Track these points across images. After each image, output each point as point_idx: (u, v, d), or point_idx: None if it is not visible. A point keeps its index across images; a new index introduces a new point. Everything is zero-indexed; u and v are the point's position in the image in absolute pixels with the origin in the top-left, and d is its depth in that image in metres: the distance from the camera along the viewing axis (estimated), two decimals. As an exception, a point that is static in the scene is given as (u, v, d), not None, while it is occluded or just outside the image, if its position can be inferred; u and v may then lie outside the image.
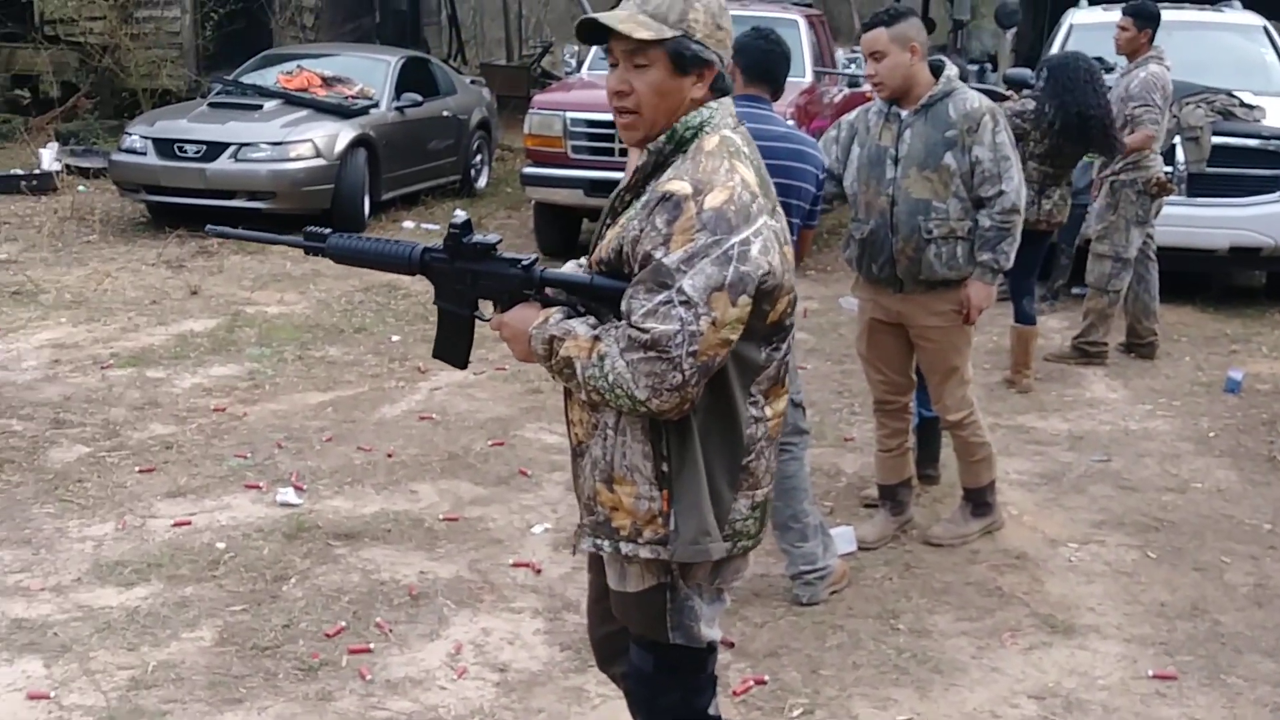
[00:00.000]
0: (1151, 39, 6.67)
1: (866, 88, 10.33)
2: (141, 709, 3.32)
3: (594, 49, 10.10)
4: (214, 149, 9.61)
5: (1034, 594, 4.14)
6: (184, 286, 7.94)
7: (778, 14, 10.08)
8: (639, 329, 2.08)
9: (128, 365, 6.26)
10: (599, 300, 2.22)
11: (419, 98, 11.17)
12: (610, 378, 2.11)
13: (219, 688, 3.45)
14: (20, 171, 11.51)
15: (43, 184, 11.21)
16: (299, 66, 11.04)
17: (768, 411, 2.28)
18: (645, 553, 2.25)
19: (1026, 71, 7.07)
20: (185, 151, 9.67)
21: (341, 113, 10.28)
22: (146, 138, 9.86)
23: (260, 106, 10.30)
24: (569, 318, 2.22)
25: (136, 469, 4.95)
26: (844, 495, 4.96)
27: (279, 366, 6.41)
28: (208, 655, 3.61)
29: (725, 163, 2.15)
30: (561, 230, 9.51)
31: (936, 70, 4.13)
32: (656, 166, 2.22)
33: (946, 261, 4.12)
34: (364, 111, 10.48)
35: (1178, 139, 7.72)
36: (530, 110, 9.12)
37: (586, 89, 9.47)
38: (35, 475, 4.85)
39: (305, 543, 4.35)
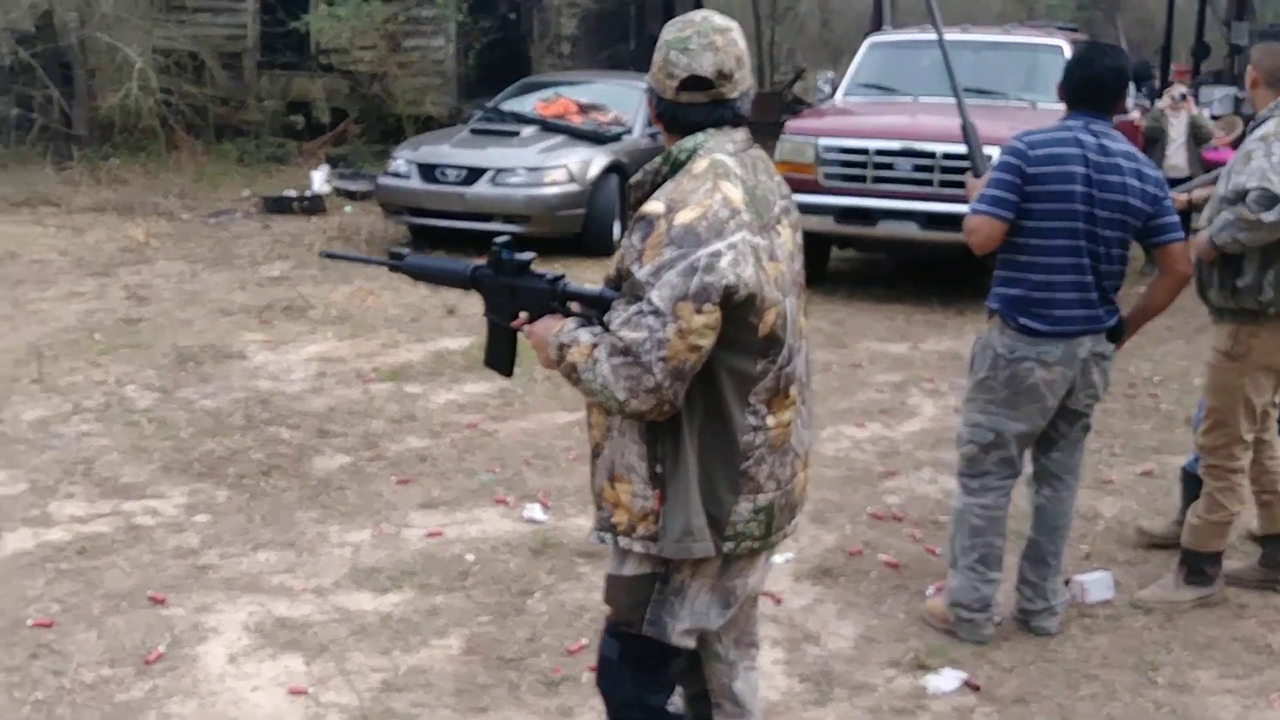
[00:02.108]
0: None
1: (1134, 115, 9.88)
2: (393, 711, 3.44)
3: (849, 75, 10.01)
4: (474, 174, 10.00)
5: (1313, 657, 3.80)
6: (441, 306, 8.26)
7: (1041, 39, 9.74)
8: (617, 336, 2.28)
9: (388, 379, 6.55)
10: (607, 311, 2.38)
11: (669, 124, 11.30)
12: (599, 381, 2.29)
13: (465, 695, 3.53)
14: (293, 193, 12.29)
15: (313, 205, 11.93)
16: (556, 94, 11.38)
17: (769, 421, 2.42)
18: (638, 547, 2.44)
19: None
20: (447, 176, 10.10)
21: (595, 139, 10.52)
22: (411, 162, 10.35)
23: (518, 133, 10.65)
24: (581, 327, 2.39)
25: (393, 479, 5.16)
26: (1101, 539, 4.70)
27: (529, 385, 6.56)
28: (455, 663, 3.70)
29: (708, 183, 2.32)
30: (809, 257, 9.37)
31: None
32: (653, 186, 2.41)
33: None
34: (617, 138, 10.69)
35: None
36: (782, 136, 9.08)
37: (839, 115, 9.37)
38: (300, 482, 5.12)
39: (550, 559, 4.42)
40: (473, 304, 8.42)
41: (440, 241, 10.18)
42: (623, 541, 2.45)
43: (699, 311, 2.23)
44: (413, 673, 3.64)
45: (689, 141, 2.39)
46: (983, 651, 3.82)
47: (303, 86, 15.94)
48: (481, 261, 2.63)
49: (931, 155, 8.27)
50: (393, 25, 14.97)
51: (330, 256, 3.14)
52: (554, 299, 2.50)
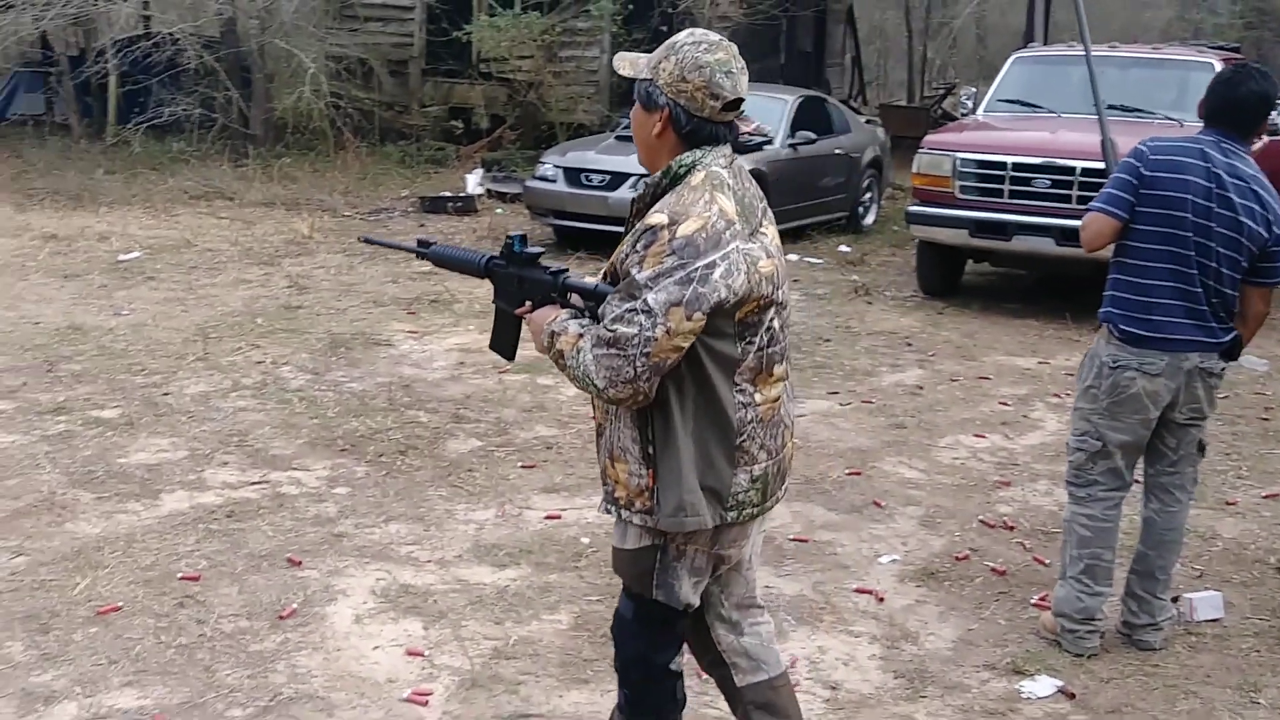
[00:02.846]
0: None
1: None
2: (500, 676, 3.65)
3: (991, 90, 9.96)
4: (616, 179, 10.27)
5: None
6: (579, 304, 8.53)
7: (1192, 57, 9.53)
8: (607, 329, 2.46)
9: (521, 372, 6.82)
10: (602, 303, 2.54)
11: (813, 135, 11.41)
12: (581, 369, 2.50)
13: (569, 667, 3.73)
14: (449, 194, 12.78)
15: (466, 206, 12.39)
16: (700, 103, 11.56)
17: (757, 397, 2.61)
18: (636, 520, 2.63)
19: None
20: (591, 180, 10.40)
21: (737, 148, 10.65)
22: (558, 167, 10.68)
23: (662, 140, 10.86)
24: (572, 319, 2.60)
25: (519, 464, 5.41)
26: (1217, 560, 4.65)
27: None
28: (563, 637, 3.91)
29: (706, 195, 2.48)
30: (943, 270, 9.40)
31: None
32: (653, 197, 2.56)
33: None
34: (758, 147, 10.83)
35: None
36: (920, 149, 9.11)
37: (979, 130, 9.34)
38: (433, 462, 5.41)
39: (661, 547, 4.59)
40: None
41: (582, 244, 10.48)
42: (624, 514, 2.65)
43: (689, 318, 2.42)
44: (522, 643, 3.86)
45: (688, 157, 2.54)
46: (1083, 661, 3.84)
47: (463, 93, 16.51)
48: (495, 253, 2.82)
49: (1071, 171, 8.20)
50: (550, 36, 15.41)
51: (368, 241, 3.35)
52: (555, 290, 2.69)
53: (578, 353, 2.51)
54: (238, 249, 10.16)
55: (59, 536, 4.48)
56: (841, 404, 6.50)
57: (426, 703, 3.49)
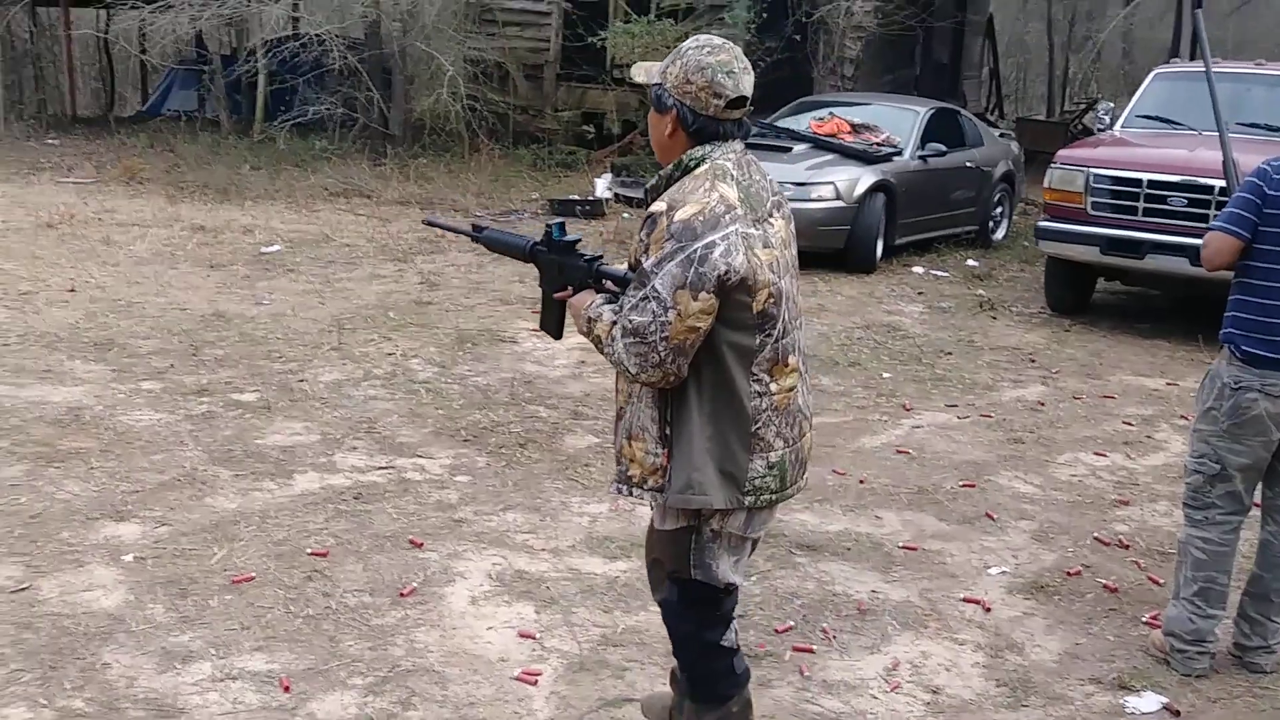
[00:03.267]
0: None
1: None
2: (606, 661, 3.77)
3: (1130, 106, 9.77)
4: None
5: None
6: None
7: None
8: (627, 319, 2.66)
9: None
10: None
11: (943, 148, 11.33)
12: (616, 355, 2.69)
13: (673, 657, 3.82)
14: (577, 197, 13.01)
15: (594, 209, 12.59)
16: (830, 113, 11.59)
17: (772, 387, 2.77)
18: (647, 496, 2.81)
19: None
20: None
21: (865, 158, 10.66)
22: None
23: (789, 149, 10.92)
24: (606, 305, 2.79)
25: (635, 462, 5.52)
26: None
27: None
28: (669, 628, 4.00)
29: (706, 183, 2.67)
30: (1072, 287, 9.26)
31: None
32: (664, 189, 2.74)
33: None
34: (887, 158, 10.79)
35: None
36: (1052, 164, 8.99)
37: (1114, 146, 9.18)
38: (551, 456, 5.57)
39: (770, 547, 4.66)
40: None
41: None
42: (635, 492, 2.83)
43: (695, 298, 2.59)
44: (629, 631, 3.97)
45: (698, 151, 2.74)
46: (1190, 681, 3.81)
47: (596, 98, 16.75)
48: (538, 239, 3.02)
49: (1209, 190, 8.00)
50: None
51: (429, 224, 3.69)
52: (590, 276, 2.89)
53: (612, 340, 2.71)
54: (373, 245, 10.51)
55: (199, 510, 4.75)
56: (959, 417, 6.48)
57: (535, 682, 3.63)
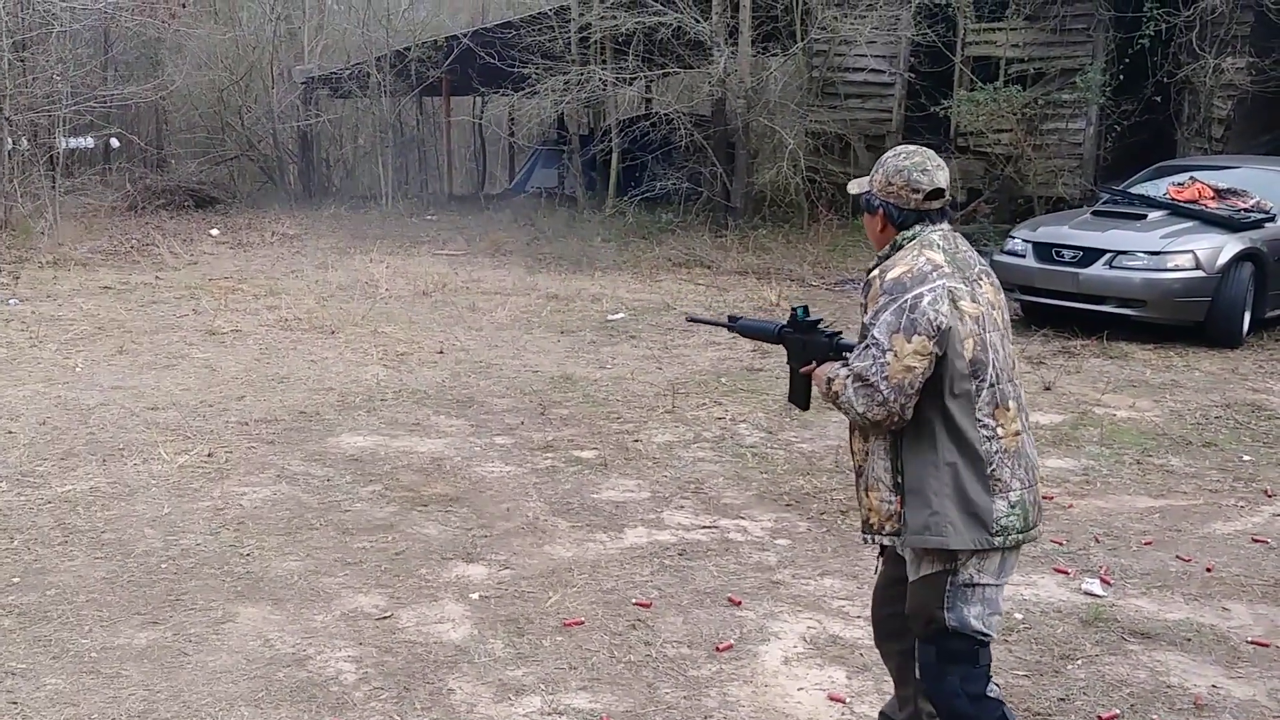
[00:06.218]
0: None
1: None
2: (917, 732, 3.74)
3: None
4: (1090, 255, 9.93)
5: None
6: (1039, 382, 8.36)
7: None
8: (855, 366, 3.00)
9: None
10: None
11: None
12: (848, 402, 3.01)
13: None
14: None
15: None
16: (1191, 178, 10.95)
17: (999, 430, 3.01)
18: (885, 540, 3.09)
19: None
20: (1062, 256, 10.13)
21: (1229, 225, 10.00)
22: (1028, 241, 10.50)
23: (1144, 216, 10.40)
24: (844, 367, 3.08)
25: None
26: None
27: (1115, 467, 6.52)
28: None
29: (915, 250, 3.05)
30: None
31: None
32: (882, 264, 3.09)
33: None
34: (1257, 225, 10.06)
35: None
36: None
37: None
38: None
39: (1099, 632, 4.47)
40: (1071, 383, 8.45)
41: (1048, 320, 10.23)
42: (875, 538, 3.12)
43: (909, 340, 2.93)
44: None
45: (908, 231, 3.12)
46: None
47: (939, 167, 16.57)
48: (784, 322, 3.39)
49: None
50: (1031, 110, 15.17)
51: (692, 320, 4.25)
52: (831, 350, 3.26)
53: (845, 390, 3.02)
54: (710, 314, 10.86)
55: (538, 556, 5.10)
56: (1327, 504, 5.95)
57: (843, 746, 3.66)
